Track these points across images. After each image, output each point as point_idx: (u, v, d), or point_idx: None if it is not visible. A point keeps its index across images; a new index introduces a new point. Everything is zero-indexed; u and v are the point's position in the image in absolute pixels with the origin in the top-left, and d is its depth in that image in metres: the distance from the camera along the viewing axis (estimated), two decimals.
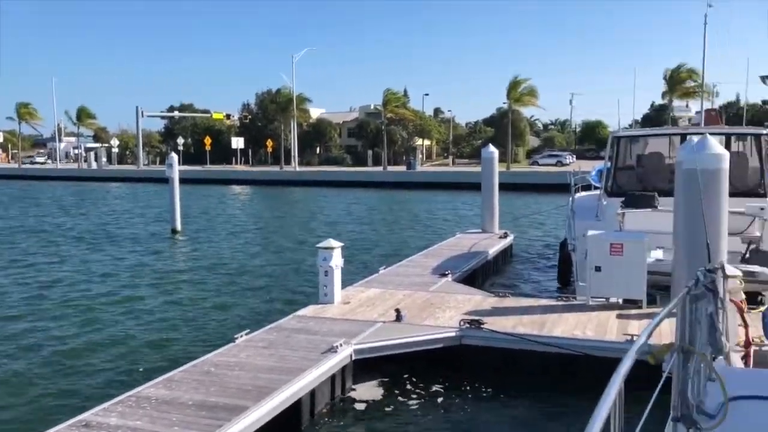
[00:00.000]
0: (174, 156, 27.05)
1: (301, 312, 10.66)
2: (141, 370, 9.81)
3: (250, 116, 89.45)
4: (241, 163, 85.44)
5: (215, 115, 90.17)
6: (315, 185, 58.69)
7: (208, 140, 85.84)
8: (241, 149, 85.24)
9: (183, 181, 29.07)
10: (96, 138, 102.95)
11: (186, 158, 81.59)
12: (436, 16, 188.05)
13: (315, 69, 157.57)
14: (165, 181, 27.52)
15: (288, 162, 76.47)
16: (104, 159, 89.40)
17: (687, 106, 66.17)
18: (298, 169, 71.79)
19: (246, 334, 9.26)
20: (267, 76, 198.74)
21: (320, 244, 11.21)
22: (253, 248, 22.76)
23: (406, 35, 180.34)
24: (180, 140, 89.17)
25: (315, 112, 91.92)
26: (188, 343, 11.27)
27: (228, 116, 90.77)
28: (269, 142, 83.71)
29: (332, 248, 10.89)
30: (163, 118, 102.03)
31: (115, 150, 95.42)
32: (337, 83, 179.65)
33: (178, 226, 26.46)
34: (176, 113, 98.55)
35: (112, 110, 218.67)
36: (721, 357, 4.62)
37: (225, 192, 53.98)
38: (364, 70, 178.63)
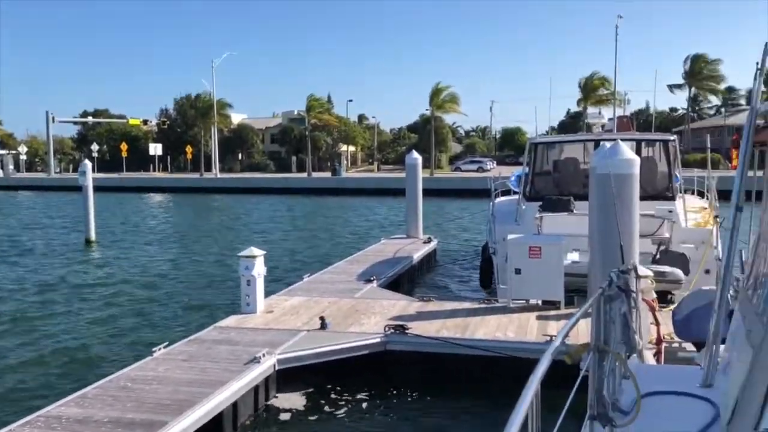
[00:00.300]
0: (87, 163, 26.04)
1: (223, 323, 10.41)
2: (51, 388, 9.32)
3: (168, 122, 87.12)
4: (159, 170, 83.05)
5: (132, 121, 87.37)
6: (237, 192, 57.65)
7: (124, 147, 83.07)
8: (159, 156, 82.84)
9: (98, 189, 28.01)
10: (2, 145, 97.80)
11: (101, 165, 78.64)
12: (360, 23, 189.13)
13: (236, 74, 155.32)
14: (79, 189, 26.45)
15: (208, 169, 74.89)
16: (11, 167, 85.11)
17: (600, 113, 68.86)
18: (219, 175, 70.38)
19: (164, 346, 8.96)
20: (186, 80, 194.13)
21: (242, 253, 10.99)
22: (172, 258, 22.10)
23: (330, 41, 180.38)
24: (95, 147, 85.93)
25: (236, 118, 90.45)
26: (103, 358, 10.81)
27: (145, 122, 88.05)
28: (189, 149, 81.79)
29: (254, 257, 10.70)
30: (76, 123, 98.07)
31: (23, 157, 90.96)
32: (260, 88, 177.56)
33: (93, 236, 25.45)
34: (90, 119, 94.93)
35: (19, 116, 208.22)
36: (634, 355, 4.79)
37: (142, 200, 52.32)
38: (287, 76, 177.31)
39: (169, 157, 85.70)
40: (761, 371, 2.95)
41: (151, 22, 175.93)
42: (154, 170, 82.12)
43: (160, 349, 8.83)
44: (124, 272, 19.06)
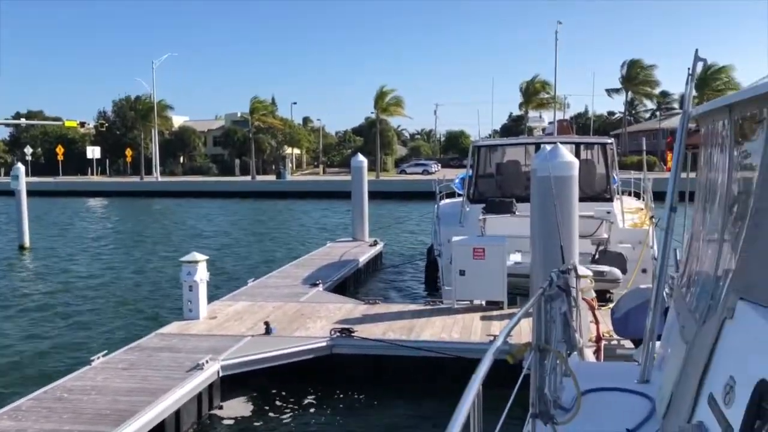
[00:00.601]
0: (20, 166, 25.14)
1: (165, 329, 10.18)
2: None
3: (107, 124, 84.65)
4: (97, 173, 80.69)
5: (68, 123, 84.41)
6: (179, 196, 56.44)
7: (60, 149, 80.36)
8: (97, 159, 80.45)
9: (32, 193, 27.04)
10: None
11: (36, 169, 75.89)
12: (303, 25, 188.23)
13: (177, 75, 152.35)
14: (11, 193, 25.48)
15: (149, 172, 73.18)
16: None
17: (541, 116, 70.41)
18: (160, 179, 68.85)
19: (103, 355, 8.71)
20: (125, 82, 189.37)
21: (184, 258, 10.78)
22: (111, 264, 21.49)
23: (273, 42, 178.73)
24: (28, 150, 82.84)
25: (178, 120, 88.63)
26: (38, 369, 10.40)
27: (82, 124, 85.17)
28: (128, 152, 79.75)
29: (197, 262, 10.51)
30: (7, 125, 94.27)
31: None
32: (202, 90, 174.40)
33: (27, 242, 24.54)
34: (23, 121, 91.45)
35: None
36: (575, 353, 4.89)
37: (80, 204, 50.70)
38: (229, 78, 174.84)
39: (107, 161, 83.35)
40: (694, 366, 3.06)
41: (88, 23, 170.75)
42: (92, 174, 79.75)
43: (98, 357, 8.57)
44: (60, 279, 18.43)
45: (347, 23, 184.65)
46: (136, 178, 71.99)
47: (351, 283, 16.10)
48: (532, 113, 69.90)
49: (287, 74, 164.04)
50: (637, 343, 6.27)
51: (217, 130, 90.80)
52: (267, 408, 8.59)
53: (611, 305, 9.61)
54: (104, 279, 18.57)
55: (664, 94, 76.41)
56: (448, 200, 18.60)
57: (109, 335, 12.33)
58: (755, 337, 2.47)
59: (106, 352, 8.87)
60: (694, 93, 4.33)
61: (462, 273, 11.01)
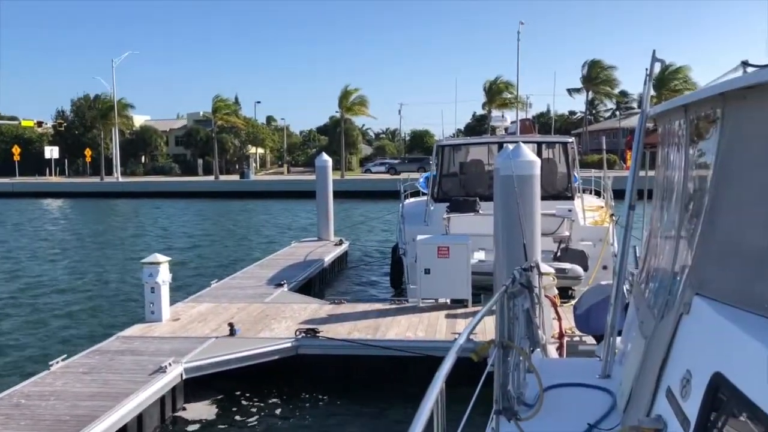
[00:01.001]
0: None
1: (126, 332, 10.01)
2: None
3: (65, 124, 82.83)
4: (56, 174, 78.88)
5: (24, 123, 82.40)
6: (140, 196, 55.54)
7: (16, 150, 78.34)
8: (55, 159, 78.65)
9: None
10: None
11: None
12: (267, 24, 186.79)
13: (138, 73, 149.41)
14: None
15: (109, 172, 71.84)
16: None
17: (503, 116, 70.96)
18: (121, 179, 67.63)
19: (63, 359, 8.52)
20: (84, 81, 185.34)
21: (145, 260, 10.63)
22: (71, 266, 21.05)
23: (236, 41, 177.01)
24: None
25: (139, 119, 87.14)
26: None
27: (40, 123, 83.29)
28: (88, 152, 78.12)
29: (159, 263, 10.36)
30: None
31: None
32: (163, 90, 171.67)
33: None
34: None
35: None
36: (538, 349, 4.96)
37: (38, 206, 49.54)
38: (192, 77, 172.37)
39: (66, 161, 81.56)
40: (652, 361, 3.13)
41: (45, 19, 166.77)
42: (51, 174, 77.98)
43: (57, 362, 8.39)
44: (18, 282, 17.98)
45: (311, 22, 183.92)
46: (96, 179, 70.59)
47: (316, 283, 16.05)
48: (495, 113, 70.37)
49: (250, 73, 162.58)
50: (598, 339, 6.37)
51: (179, 130, 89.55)
52: (232, 410, 8.52)
53: (573, 302, 9.76)
54: (64, 282, 18.18)
55: (624, 94, 77.89)
56: (412, 199, 18.67)
57: (68, 339, 12.08)
58: (710, 331, 2.53)
59: (65, 356, 8.69)
60: (652, 93, 4.42)
61: (427, 272, 11.06)
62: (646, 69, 4.25)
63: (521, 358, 3.73)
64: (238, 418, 8.33)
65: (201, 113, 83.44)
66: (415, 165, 58.63)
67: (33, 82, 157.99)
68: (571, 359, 7.66)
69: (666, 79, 55.91)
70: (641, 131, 4.34)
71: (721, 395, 2.21)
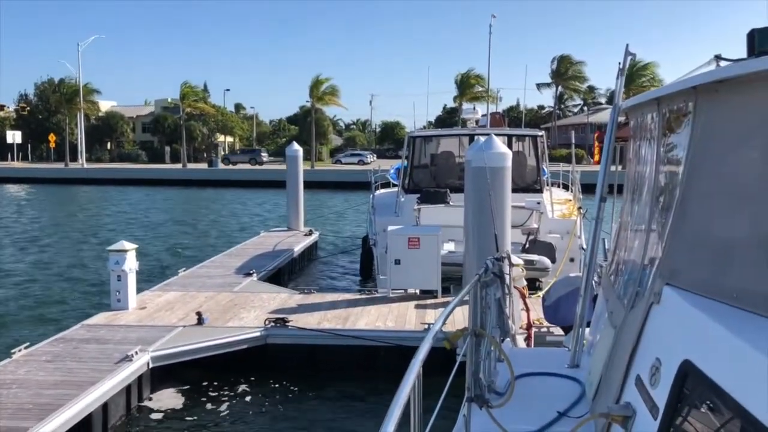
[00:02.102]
0: None
1: (91, 320, 9.86)
2: None
3: (28, 108, 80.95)
4: (18, 159, 77.09)
5: None
6: (106, 183, 54.58)
7: None
8: (18, 144, 76.85)
9: None
10: None
11: None
12: (238, 9, 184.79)
13: (104, 58, 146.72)
14: None
15: (74, 158, 70.44)
16: None
17: (474, 109, 71.27)
18: (86, 165, 66.36)
19: (25, 347, 8.36)
20: (48, 64, 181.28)
21: (111, 247, 10.46)
22: (34, 253, 20.61)
23: (205, 26, 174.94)
24: None
25: (105, 105, 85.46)
26: None
27: (1, 107, 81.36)
28: (52, 137, 76.48)
29: (125, 251, 10.21)
30: None
31: None
32: (130, 75, 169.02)
33: None
34: None
35: None
36: (508, 339, 5.01)
37: (0, 191, 48.39)
38: (160, 63, 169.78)
39: (29, 146, 79.74)
40: (622, 350, 3.18)
41: (8, 2, 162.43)
42: (13, 160, 76.18)
43: (20, 350, 8.22)
44: None
45: (282, 11, 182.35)
46: (60, 165, 69.15)
47: (286, 272, 15.98)
48: (466, 106, 70.73)
49: (220, 60, 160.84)
50: (567, 330, 6.46)
51: (146, 116, 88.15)
52: (199, 399, 8.44)
53: (541, 293, 9.89)
54: (26, 269, 17.80)
55: (591, 89, 78.78)
56: (383, 190, 18.69)
57: (31, 327, 11.83)
58: (680, 320, 2.58)
59: (28, 344, 8.53)
60: (622, 88, 4.47)
61: (397, 262, 11.08)
62: (619, 63, 4.29)
63: (492, 347, 3.76)
64: (205, 407, 8.26)
65: (169, 100, 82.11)
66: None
67: None
68: (540, 349, 7.75)
69: (634, 75, 56.65)
70: (614, 124, 4.39)
71: (690, 382, 2.26)
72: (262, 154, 71.10)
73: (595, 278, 4.91)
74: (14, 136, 76.70)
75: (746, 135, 2.45)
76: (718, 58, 2.85)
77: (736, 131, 2.53)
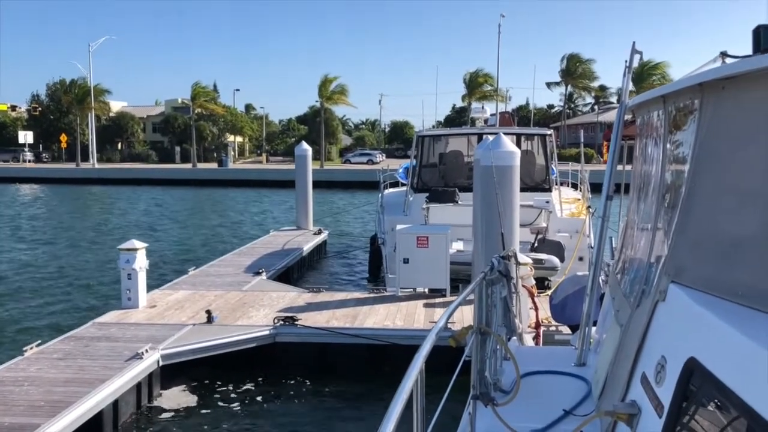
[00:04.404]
0: None
1: (102, 318, 9.92)
2: None
3: (40, 108, 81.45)
4: (30, 160, 77.61)
5: None
6: (117, 183, 54.90)
7: None
8: (30, 144, 77.37)
9: None
10: None
11: None
12: (249, 10, 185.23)
13: (115, 59, 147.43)
14: None
15: (85, 158, 70.83)
16: None
17: (483, 108, 71.18)
18: (97, 166, 66.73)
19: (37, 345, 8.44)
20: (60, 65, 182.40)
21: (122, 246, 10.52)
22: (47, 252, 20.77)
23: (215, 27, 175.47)
24: None
25: (116, 106, 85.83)
26: None
27: (14, 107, 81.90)
28: (63, 137, 76.92)
29: (135, 249, 10.27)
30: None
31: None
32: (141, 76, 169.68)
33: None
34: None
35: None
36: (514, 337, 5.01)
37: (12, 191, 48.76)
38: (170, 64, 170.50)
39: (41, 146, 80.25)
40: (628, 348, 3.17)
41: (22, 4, 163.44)
42: (25, 161, 76.69)
43: (32, 347, 8.30)
44: None
45: (292, 11, 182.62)
46: (72, 165, 69.58)
47: (295, 271, 16.02)
48: (475, 105, 70.60)
49: (230, 60, 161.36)
50: (574, 329, 6.46)
51: (156, 117, 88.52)
52: (208, 397, 8.49)
53: (549, 292, 9.87)
54: (38, 268, 17.94)
55: (602, 88, 78.38)
56: (392, 190, 18.69)
57: (43, 325, 11.93)
58: (685, 317, 2.57)
59: (39, 342, 8.60)
60: (631, 88, 4.46)
61: (406, 261, 11.09)
62: (626, 61, 4.29)
63: (498, 345, 3.77)
64: (214, 405, 8.30)
65: (179, 100, 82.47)
66: None
67: (6, 65, 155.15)
68: (547, 347, 7.74)
69: (645, 75, 56.38)
70: (620, 122, 4.38)
71: (695, 379, 2.26)
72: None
73: (602, 277, 4.90)
74: (26, 137, 77.21)
75: (752, 132, 2.44)
76: (723, 54, 2.84)
77: (741, 128, 2.52)
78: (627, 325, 3.35)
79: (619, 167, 4.63)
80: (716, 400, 2.13)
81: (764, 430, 1.72)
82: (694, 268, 2.72)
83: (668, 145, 3.37)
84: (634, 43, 4.09)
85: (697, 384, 2.26)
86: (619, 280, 4.29)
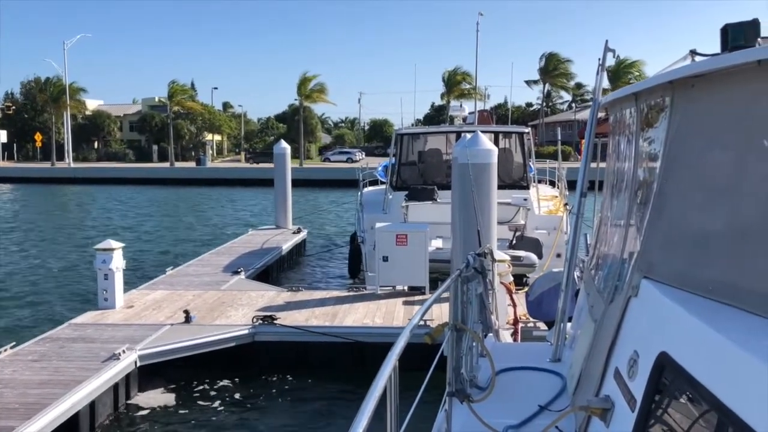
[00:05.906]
0: None
1: (78, 319, 9.82)
2: None
3: (14, 107, 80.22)
4: (4, 159, 76.49)
5: None
6: (93, 183, 54.20)
7: None
8: (3, 143, 76.23)
9: None
10: None
11: None
12: (226, 7, 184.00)
13: (91, 57, 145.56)
14: None
15: (61, 158, 69.92)
16: None
17: (462, 106, 71.22)
18: (72, 165, 65.89)
19: (11, 347, 8.32)
20: (34, 63, 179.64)
21: (98, 246, 10.41)
22: (21, 253, 20.47)
23: (192, 25, 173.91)
24: None
25: (92, 104, 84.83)
26: None
27: None
28: (38, 136, 75.84)
29: (112, 249, 10.17)
30: None
31: None
32: (117, 74, 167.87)
33: None
34: None
35: None
36: (491, 334, 5.04)
37: None
38: (147, 61, 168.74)
39: (15, 145, 79.08)
40: (602, 343, 3.21)
41: None
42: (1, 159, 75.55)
43: (6, 349, 8.19)
44: None
45: (271, 9, 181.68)
46: (47, 164, 68.63)
47: (274, 270, 15.96)
48: (453, 103, 70.73)
49: (208, 59, 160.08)
50: (550, 325, 6.50)
51: (133, 115, 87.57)
52: (187, 398, 8.44)
53: (527, 289, 9.93)
54: (13, 268, 17.68)
55: (579, 86, 79.01)
56: (371, 188, 18.69)
57: (17, 327, 11.78)
58: (657, 312, 2.61)
59: (14, 343, 8.49)
60: (608, 86, 4.51)
61: (385, 259, 11.11)
62: (599, 59, 4.33)
63: (474, 341, 3.79)
64: (193, 405, 8.26)
65: (156, 98, 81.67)
66: None
67: None
68: (522, 344, 7.80)
69: (621, 73, 56.95)
70: (594, 120, 4.43)
71: (667, 374, 2.29)
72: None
73: (577, 273, 4.95)
74: (0, 136, 76.09)
75: (721, 129, 2.48)
76: (693, 53, 2.88)
77: (711, 125, 2.56)
78: (601, 320, 3.38)
79: (593, 164, 4.67)
80: (687, 394, 2.16)
81: (733, 424, 1.75)
82: (666, 263, 2.75)
83: (640, 142, 3.41)
84: (606, 41, 4.14)
85: (668, 378, 2.29)
86: (593, 276, 4.33)
